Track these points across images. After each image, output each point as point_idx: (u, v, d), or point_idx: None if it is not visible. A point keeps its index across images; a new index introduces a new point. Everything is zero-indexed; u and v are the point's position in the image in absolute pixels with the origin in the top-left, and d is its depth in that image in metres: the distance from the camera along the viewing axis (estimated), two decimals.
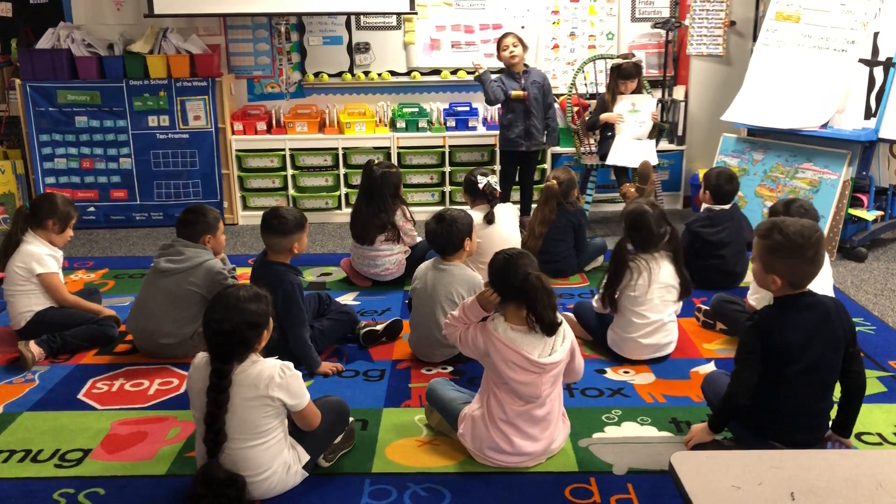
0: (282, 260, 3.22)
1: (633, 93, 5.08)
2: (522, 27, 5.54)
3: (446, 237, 3.27)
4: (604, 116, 5.07)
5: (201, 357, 2.30)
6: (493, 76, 4.91)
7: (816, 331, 2.30)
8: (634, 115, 5.02)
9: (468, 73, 5.75)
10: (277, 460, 2.32)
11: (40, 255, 3.48)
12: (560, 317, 2.46)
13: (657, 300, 3.20)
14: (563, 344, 2.47)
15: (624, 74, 5.03)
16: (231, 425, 2.23)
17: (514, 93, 4.88)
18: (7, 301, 3.53)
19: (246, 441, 2.25)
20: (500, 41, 4.95)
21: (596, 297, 3.43)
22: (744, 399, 2.36)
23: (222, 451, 2.24)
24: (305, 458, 2.41)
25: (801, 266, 2.30)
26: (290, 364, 2.32)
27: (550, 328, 2.41)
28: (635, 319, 3.21)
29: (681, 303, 3.30)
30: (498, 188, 4.07)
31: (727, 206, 4.07)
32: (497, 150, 5.42)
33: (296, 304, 3.15)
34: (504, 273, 2.45)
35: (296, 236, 3.20)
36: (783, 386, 2.33)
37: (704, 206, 4.16)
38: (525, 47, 4.96)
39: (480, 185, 3.99)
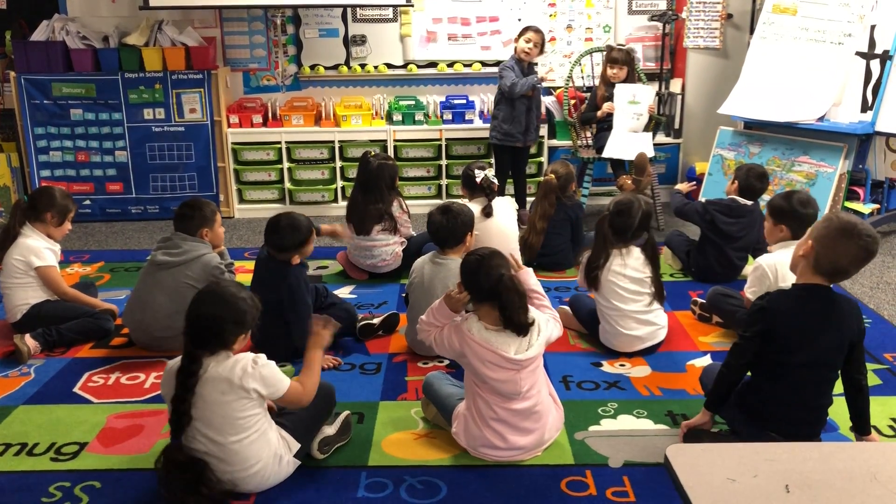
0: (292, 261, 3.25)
1: (627, 82, 5.08)
2: (519, 20, 5.52)
3: (450, 229, 3.27)
4: (602, 112, 5.06)
5: (173, 363, 2.31)
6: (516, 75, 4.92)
7: (822, 326, 2.30)
8: (633, 107, 5.01)
9: (465, 66, 5.75)
10: (265, 452, 2.33)
11: (38, 248, 3.47)
12: (532, 316, 2.47)
13: (625, 293, 3.21)
14: (539, 338, 2.48)
15: (611, 58, 5.05)
16: (213, 424, 2.24)
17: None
18: (3, 294, 3.52)
19: (229, 437, 2.26)
20: (524, 31, 4.92)
21: (579, 273, 3.43)
22: (737, 372, 2.42)
23: (187, 435, 2.25)
24: (296, 446, 2.42)
25: (841, 253, 2.24)
26: (263, 355, 2.32)
27: (520, 329, 2.43)
28: (607, 310, 3.24)
29: (656, 303, 3.30)
30: (495, 181, 4.06)
31: (749, 203, 4.03)
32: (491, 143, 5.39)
33: (300, 299, 3.17)
34: (477, 275, 2.45)
35: (305, 250, 3.25)
36: (784, 377, 2.34)
37: (729, 196, 4.13)
38: (542, 51, 4.98)
39: (478, 179, 3.99)
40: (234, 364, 2.25)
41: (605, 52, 5.18)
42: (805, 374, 2.33)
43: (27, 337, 3.32)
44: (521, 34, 4.93)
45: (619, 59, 5.03)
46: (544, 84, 4.90)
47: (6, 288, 3.49)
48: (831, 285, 2.35)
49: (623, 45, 5.15)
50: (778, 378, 2.36)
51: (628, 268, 3.22)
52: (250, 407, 2.27)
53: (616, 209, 3.26)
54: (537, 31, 4.93)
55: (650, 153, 4.92)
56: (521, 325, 2.41)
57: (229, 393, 2.23)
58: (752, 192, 4.03)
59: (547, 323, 2.55)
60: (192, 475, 2.22)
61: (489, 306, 2.45)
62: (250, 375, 2.24)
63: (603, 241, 3.26)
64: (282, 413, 2.45)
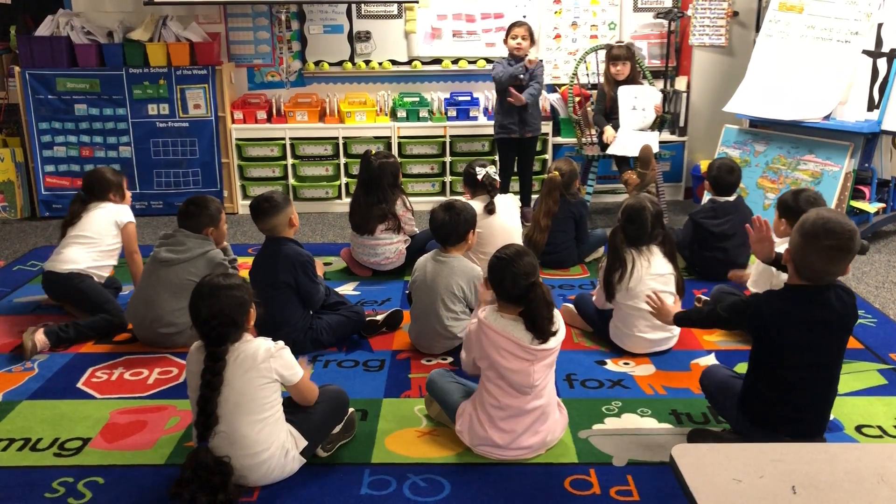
0: (286, 235, 3.31)
1: (630, 80, 5.06)
2: (524, 16, 5.51)
3: (452, 227, 3.26)
4: (605, 137, 5.04)
5: (198, 342, 2.36)
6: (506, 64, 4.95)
7: (816, 327, 2.26)
8: (637, 106, 5.01)
9: (469, 62, 5.74)
10: (275, 441, 2.34)
11: (122, 209, 3.69)
12: (557, 325, 2.46)
13: (650, 291, 3.18)
14: (557, 335, 2.47)
15: (612, 56, 5.05)
16: (229, 401, 2.27)
17: (511, 99, 4.83)
18: (64, 242, 3.60)
19: (244, 416, 2.28)
20: (510, 28, 4.93)
21: (594, 290, 3.42)
22: (715, 323, 2.60)
23: (215, 434, 2.27)
24: (303, 443, 2.42)
25: (813, 259, 2.21)
26: (282, 342, 2.39)
27: (542, 334, 2.42)
28: (631, 312, 3.20)
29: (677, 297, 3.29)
30: (497, 178, 4.05)
31: (731, 198, 4.06)
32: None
33: (313, 275, 3.28)
34: (503, 277, 2.44)
35: (288, 210, 3.30)
36: (785, 383, 2.31)
37: (708, 196, 4.15)
38: (533, 42, 4.97)
39: (479, 176, 3.98)
40: (256, 347, 2.32)
41: (605, 51, 5.17)
42: (806, 376, 2.30)
43: (38, 333, 3.31)
44: (507, 32, 4.94)
45: (621, 56, 5.02)
46: (546, 80, 4.88)
47: (71, 238, 3.58)
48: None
49: (622, 42, 5.13)
50: (779, 384, 2.33)
51: (653, 267, 3.20)
52: (268, 387, 2.32)
53: (626, 217, 3.23)
54: (521, 24, 4.93)
55: (655, 148, 4.90)
56: (543, 332, 2.41)
57: (251, 370, 2.28)
58: (725, 188, 4.05)
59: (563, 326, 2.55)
60: (219, 478, 2.23)
61: (513, 305, 2.45)
62: (272, 357, 2.32)
63: (616, 255, 3.22)
64: (293, 412, 2.45)
